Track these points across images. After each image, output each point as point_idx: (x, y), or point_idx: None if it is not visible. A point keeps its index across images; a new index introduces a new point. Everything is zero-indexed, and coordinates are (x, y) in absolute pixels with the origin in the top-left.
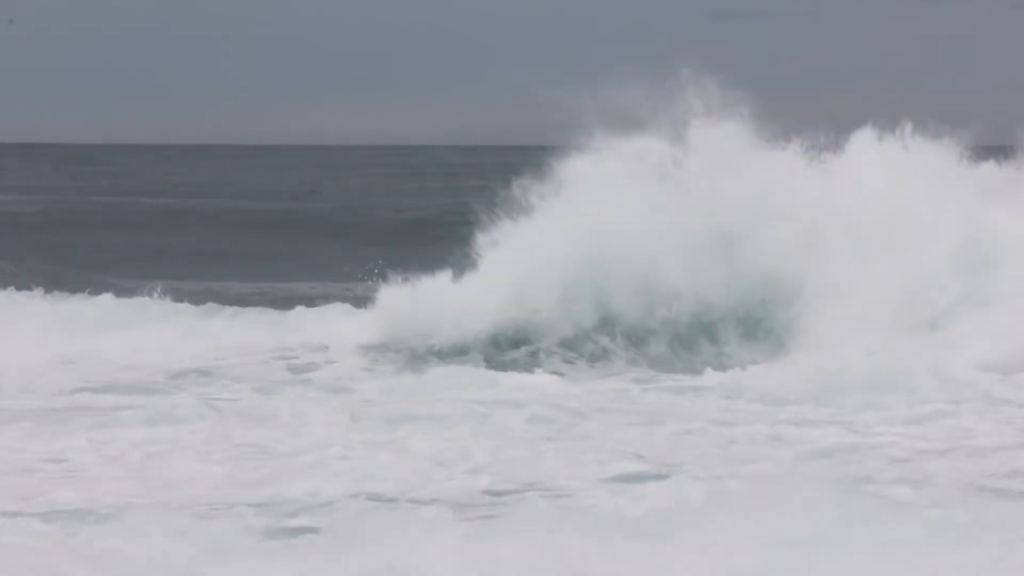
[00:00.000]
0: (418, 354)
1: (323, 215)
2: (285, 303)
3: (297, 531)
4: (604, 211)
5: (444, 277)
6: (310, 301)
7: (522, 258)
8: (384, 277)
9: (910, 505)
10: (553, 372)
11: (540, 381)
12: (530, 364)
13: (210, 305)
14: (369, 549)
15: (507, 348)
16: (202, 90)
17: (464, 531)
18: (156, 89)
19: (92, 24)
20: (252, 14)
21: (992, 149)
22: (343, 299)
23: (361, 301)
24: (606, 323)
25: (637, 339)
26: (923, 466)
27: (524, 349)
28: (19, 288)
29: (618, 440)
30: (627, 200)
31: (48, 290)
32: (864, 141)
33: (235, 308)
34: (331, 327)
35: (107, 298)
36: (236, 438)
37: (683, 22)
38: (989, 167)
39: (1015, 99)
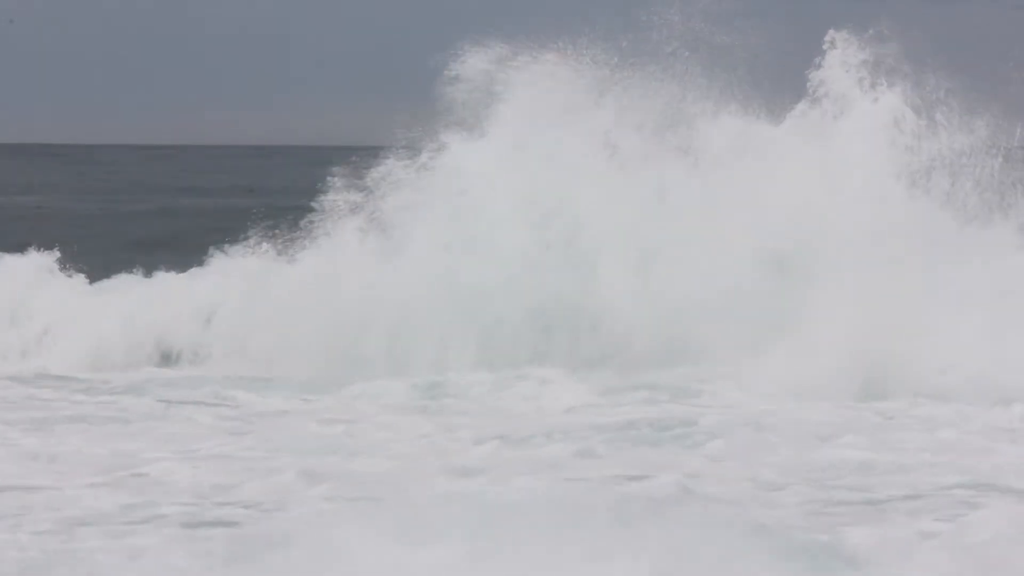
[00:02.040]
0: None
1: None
2: None
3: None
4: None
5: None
6: None
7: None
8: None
9: None
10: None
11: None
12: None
13: None
14: None
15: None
16: (204, 90)
17: None
18: (157, 89)
19: (92, 24)
20: (255, 15)
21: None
22: None
23: None
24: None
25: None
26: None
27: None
28: None
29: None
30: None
31: None
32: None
33: None
34: None
35: None
36: None
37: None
38: None
39: (1016, 99)
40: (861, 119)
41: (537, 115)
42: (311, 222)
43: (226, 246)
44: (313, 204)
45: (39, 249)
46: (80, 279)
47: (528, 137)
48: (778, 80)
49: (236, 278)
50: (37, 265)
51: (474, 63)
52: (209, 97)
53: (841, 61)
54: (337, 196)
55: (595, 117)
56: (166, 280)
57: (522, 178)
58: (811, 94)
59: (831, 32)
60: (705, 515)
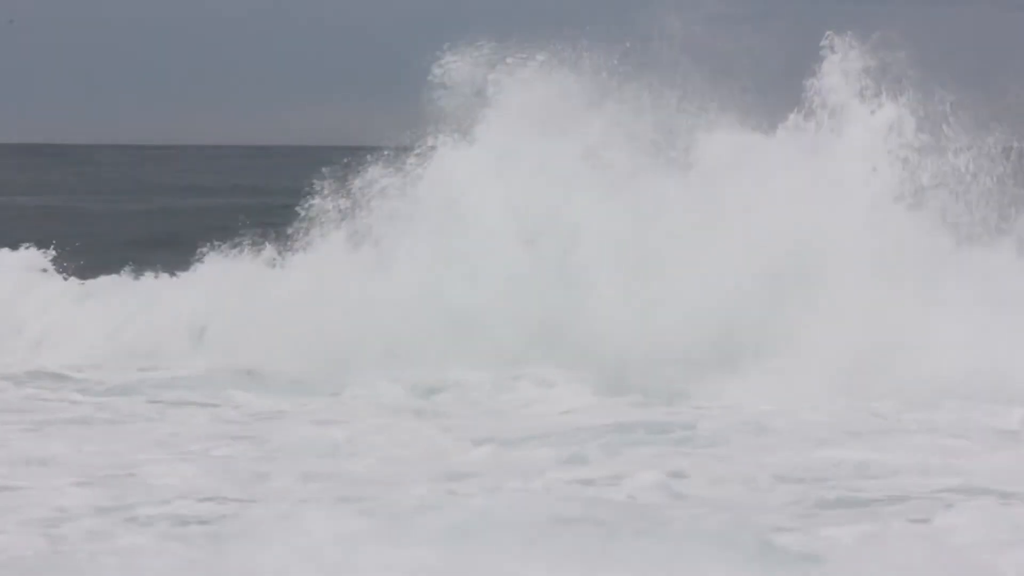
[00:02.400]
0: None
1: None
2: None
3: None
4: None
5: None
6: None
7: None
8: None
9: None
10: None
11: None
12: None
13: None
14: None
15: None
16: (204, 90)
17: None
18: (157, 89)
19: (92, 24)
20: (255, 14)
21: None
22: None
23: None
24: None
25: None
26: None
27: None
28: None
29: None
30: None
31: None
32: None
33: None
34: None
35: None
36: None
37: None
38: None
39: (1016, 100)
40: (859, 131)
41: (530, 121)
42: (302, 227)
43: (222, 247)
44: (304, 207)
45: (37, 248)
46: (78, 279)
47: (519, 146)
48: (783, 87)
49: (231, 281)
50: (34, 264)
51: (466, 63)
52: (209, 97)
53: (840, 68)
54: (326, 201)
55: (591, 125)
56: (163, 281)
57: (513, 189)
58: (807, 104)
59: (830, 35)
60: (690, 521)
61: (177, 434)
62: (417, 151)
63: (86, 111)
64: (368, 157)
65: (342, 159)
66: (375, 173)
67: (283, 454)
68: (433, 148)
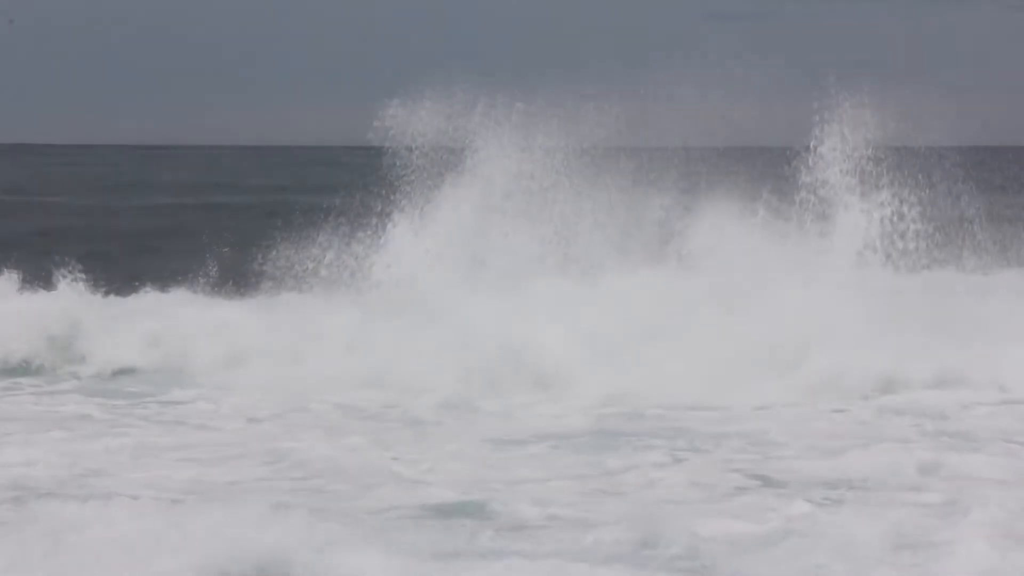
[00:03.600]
0: None
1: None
2: None
3: None
4: None
5: None
6: None
7: None
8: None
9: None
10: None
11: None
12: None
13: None
14: None
15: None
16: (204, 90)
17: None
18: (155, 89)
19: (92, 24)
20: (253, 14)
21: (992, 150)
22: None
23: None
24: None
25: None
26: None
27: None
28: None
29: None
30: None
31: None
32: None
33: None
34: None
35: None
36: None
37: (678, 25)
38: None
39: (1015, 100)
40: (852, 221)
41: (495, 193)
42: (275, 280)
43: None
44: (270, 259)
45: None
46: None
47: (480, 225)
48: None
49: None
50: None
51: (418, 119)
52: (209, 97)
53: (840, 132)
54: (290, 254)
55: (564, 204)
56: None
57: (471, 275)
58: (801, 190)
59: (832, 101)
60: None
61: (142, 435)
62: (376, 212)
63: (86, 111)
64: (336, 202)
65: (338, 160)
66: (331, 242)
67: (260, 457)
68: (392, 214)
